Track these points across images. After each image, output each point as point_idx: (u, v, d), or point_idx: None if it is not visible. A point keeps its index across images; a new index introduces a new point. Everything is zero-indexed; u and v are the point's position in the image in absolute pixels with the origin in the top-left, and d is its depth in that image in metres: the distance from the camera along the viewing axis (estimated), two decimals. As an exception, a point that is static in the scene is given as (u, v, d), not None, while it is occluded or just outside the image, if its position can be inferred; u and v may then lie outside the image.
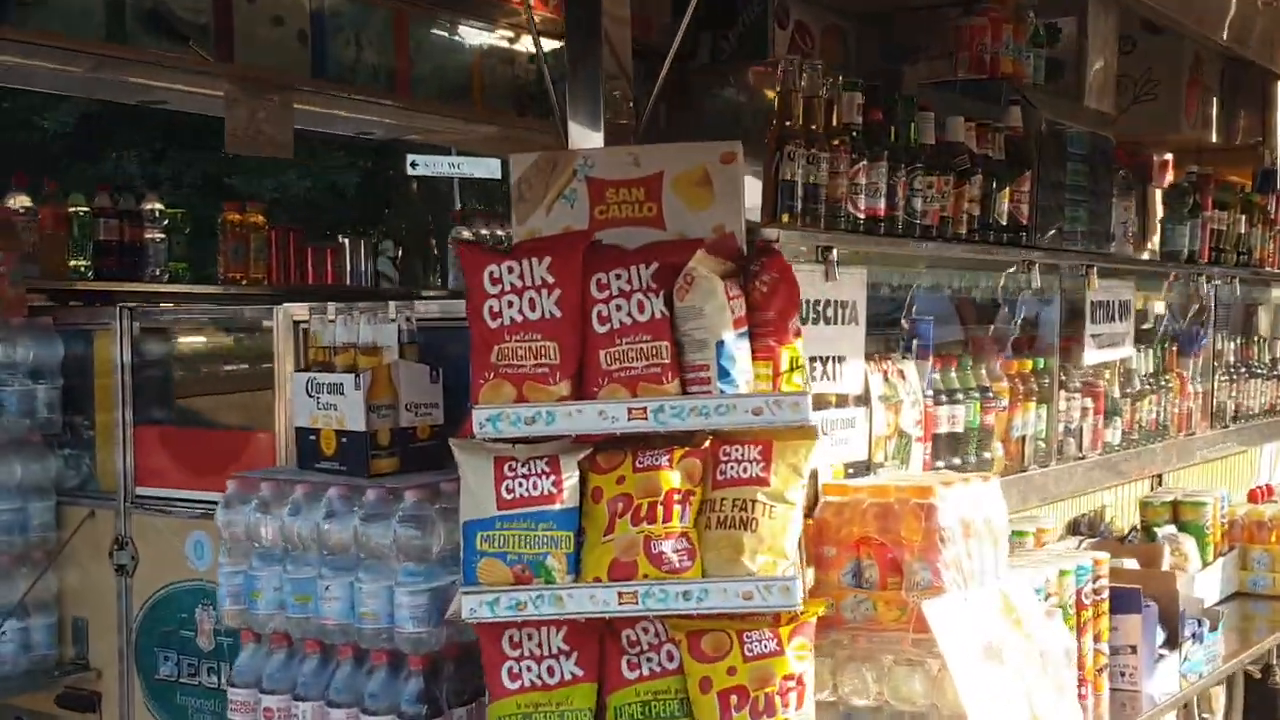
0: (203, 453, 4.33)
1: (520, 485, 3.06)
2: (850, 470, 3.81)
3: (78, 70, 5.50)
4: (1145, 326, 6.71)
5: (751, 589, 3.01)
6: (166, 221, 5.76)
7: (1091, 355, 5.05)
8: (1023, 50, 5.03)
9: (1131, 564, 5.02)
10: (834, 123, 3.79)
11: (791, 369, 3.20)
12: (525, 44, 6.91)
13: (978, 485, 3.57)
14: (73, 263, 5.46)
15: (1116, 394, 5.37)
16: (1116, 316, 5.23)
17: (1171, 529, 5.70)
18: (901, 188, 4.00)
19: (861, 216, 3.87)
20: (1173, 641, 4.64)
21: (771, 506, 3.08)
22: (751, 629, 3.09)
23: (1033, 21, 5.08)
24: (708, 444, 3.16)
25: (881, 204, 3.93)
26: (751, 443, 3.14)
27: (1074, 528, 5.64)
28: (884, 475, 3.82)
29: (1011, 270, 4.60)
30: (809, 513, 3.48)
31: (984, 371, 4.49)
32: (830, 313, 3.66)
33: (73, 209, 5.48)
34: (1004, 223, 4.52)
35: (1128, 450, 5.43)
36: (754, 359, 3.18)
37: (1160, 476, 6.32)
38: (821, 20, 6.20)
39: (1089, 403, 5.13)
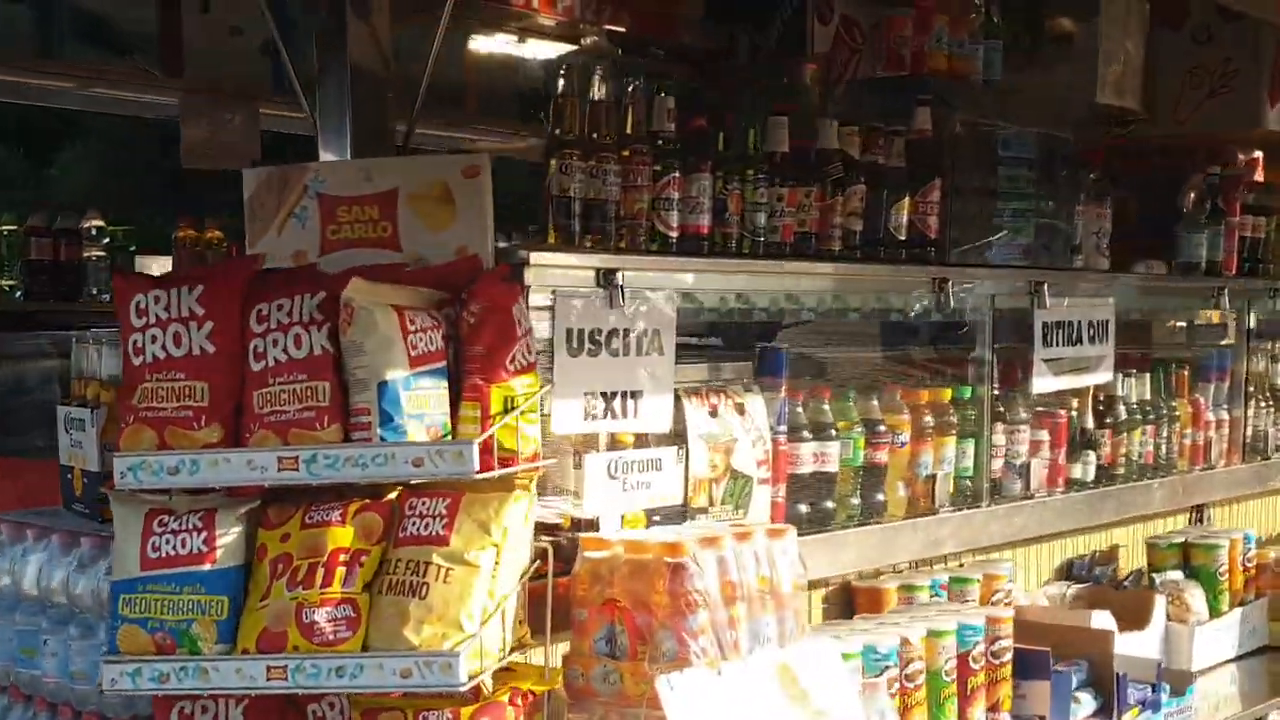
0: (27, 486, 4.11)
1: (168, 543, 2.72)
2: (657, 518, 3.40)
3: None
4: (1225, 342, 6.09)
5: (411, 665, 2.63)
6: (108, 239, 5.59)
7: (1044, 383, 4.51)
8: (964, 44, 4.52)
9: (1102, 618, 4.47)
10: (631, 129, 3.38)
11: (506, 410, 2.81)
12: (531, 48, 6.58)
13: (759, 540, 3.13)
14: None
15: (1090, 425, 4.81)
16: (1086, 338, 4.67)
17: (1177, 575, 5.11)
18: (734, 201, 3.56)
19: (674, 235, 3.45)
20: (1108, 710, 4.09)
21: (448, 569, 2.69)
22: (430, 708, 2.72)
23: (980, 12, 4.57)
24: (394, 495, 2.80)
25: (705, 220, 3.50)
26: (440, 495, 2.76)
27: (1067, 570, 5.10)
28: (698, 525, 3.39)
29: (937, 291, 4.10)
30: (563, 570, 3.09)
31: (875, 403, 4.01)
32: (616, 344, 3.25)
33: (-1, 228, 5.36)
34: (902, 237, 4.04)
35: (1107, 488, 4.86)
36: (462, 399, 2.81)
37: (1201, 513, 5.71)
38: (873, 14, 5.75)
39: (1044, 435, 4.58)
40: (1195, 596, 5.02)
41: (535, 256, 3.09)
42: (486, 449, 2.74)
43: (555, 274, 3.14)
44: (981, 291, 4.27)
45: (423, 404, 2.73)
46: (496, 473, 2.72)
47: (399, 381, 2.68)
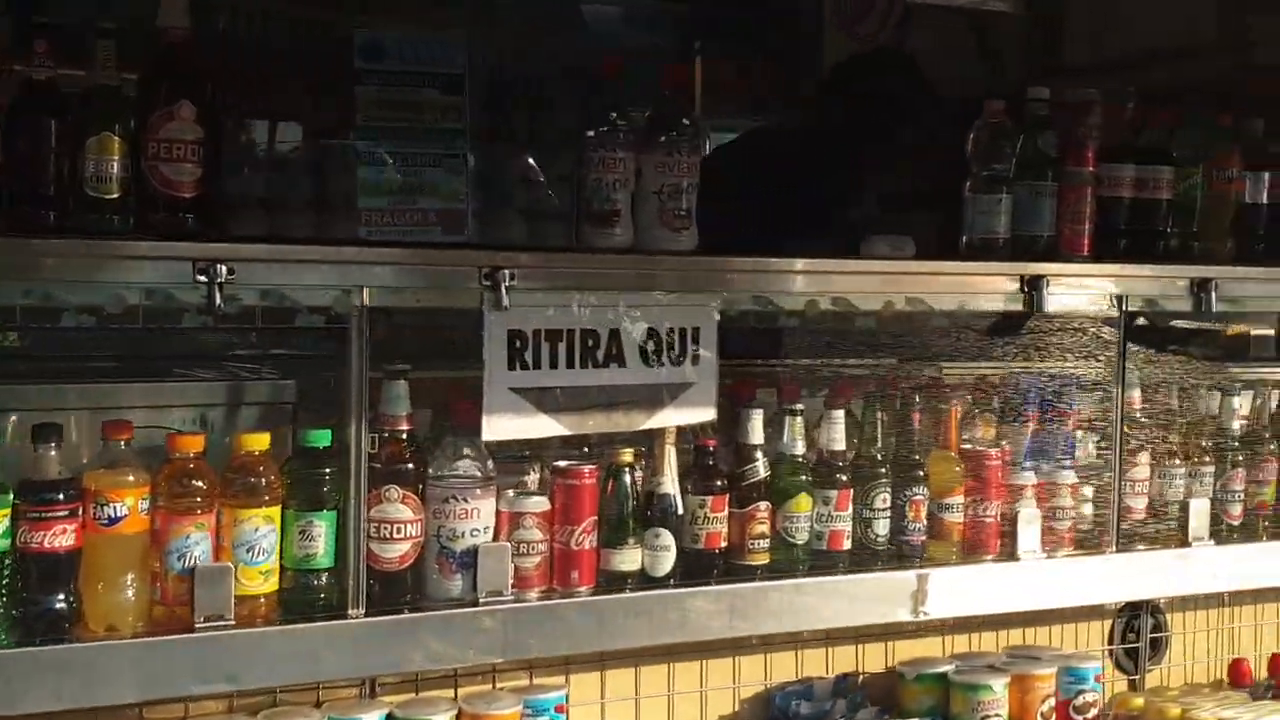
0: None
1: None
2: None
3: None
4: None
5: None
6: None
7: (505, 424, 2.85)
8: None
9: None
10: None
11: None
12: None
13: None
14: None
15: (667, 489, 3.07)
16: (636, 357, 2.99)
17: None
18: None
19: None
20: None
21: None
22: None
23: None
24: None
25: None
26: None
27: (766, 703, 3.41)
28: None
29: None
30: None
31: (55, 453, 2.55)
32: None
33: None
34: (113, 194, 2.57)
35: (701, 586, 3.09)
36: None
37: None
38: None
39: (536, 506, 2.93)
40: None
41: None
42: None
43: None
44: (321, 281, 2.71)
45: None
46: None
47: None
